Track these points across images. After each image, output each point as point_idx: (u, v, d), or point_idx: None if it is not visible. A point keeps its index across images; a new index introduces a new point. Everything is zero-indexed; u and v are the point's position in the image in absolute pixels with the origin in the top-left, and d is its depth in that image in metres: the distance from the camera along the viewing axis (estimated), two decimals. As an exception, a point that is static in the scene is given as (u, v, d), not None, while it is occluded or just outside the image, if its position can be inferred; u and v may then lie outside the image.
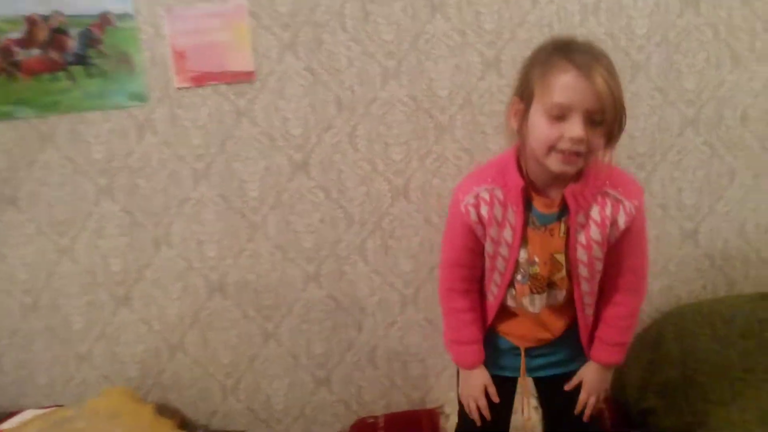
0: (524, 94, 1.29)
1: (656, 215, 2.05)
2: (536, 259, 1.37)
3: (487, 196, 1.36)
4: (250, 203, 2.02)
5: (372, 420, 2.05)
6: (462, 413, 1.58)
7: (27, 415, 1.93)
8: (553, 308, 1.43)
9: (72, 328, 2.08)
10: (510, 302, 1.45)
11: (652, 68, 1.99)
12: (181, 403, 2.11)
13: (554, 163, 1.25)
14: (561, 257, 1.36)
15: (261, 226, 2.03)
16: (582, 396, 1.48)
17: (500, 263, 1.40)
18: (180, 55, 1.93)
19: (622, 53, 1.96)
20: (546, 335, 1.46)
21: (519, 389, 1.54)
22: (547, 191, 1.35)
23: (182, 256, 2.03)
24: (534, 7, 1.94)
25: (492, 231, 1.37)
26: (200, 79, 1.95)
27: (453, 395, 2.10)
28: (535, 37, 1.94)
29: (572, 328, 1.46)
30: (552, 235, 1.35)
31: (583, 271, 1.36)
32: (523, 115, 1.30)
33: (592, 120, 1.21)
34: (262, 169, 2.00)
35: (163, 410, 2.01)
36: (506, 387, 1.52)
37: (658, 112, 2.01)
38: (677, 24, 1.97)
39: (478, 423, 1.52)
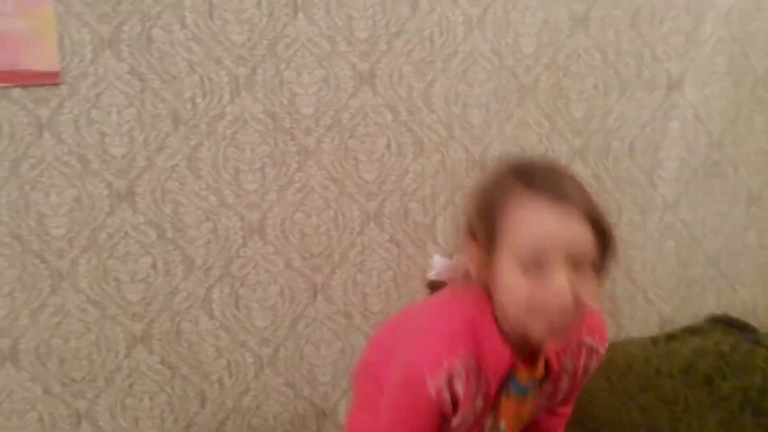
0: (483, 237, 0.98)
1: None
2: (503, 425, 1.08)
3: (462, 372, 0.99)
4: (54, 245, 1.53)
5: None
6: None
7: None
8: None
9: None
10: None
11: (540, 94, 1.80)
12: None
13: (538, 331, 0.93)
14: (527, 416, 1.12)
15: (69, 274, 1.55)
16: None
17: (463, 427, 1.06)
18: (-48, 46, 1.44)
19: (508, 74, 1.75)
20: None
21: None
22: (527, 354, 1.03)
23: (-46, 317, 1.52)
24: (413, 14, 1.67)
25: (463, 407, 1.02)
26: (-17, 80, 1.47)
27: (318, 475, 1.78)
28: (415, 51, 1.67)
29: None
30: (525, 402, 1.08)
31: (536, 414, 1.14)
32: (485, 265, 0.98)
33: (578, 263, 0.92)
34: (70, 200, 1.52)
35: None
36: None
37: (545, 141, 1.83)
38: (566, 45, 1.80)
39: None
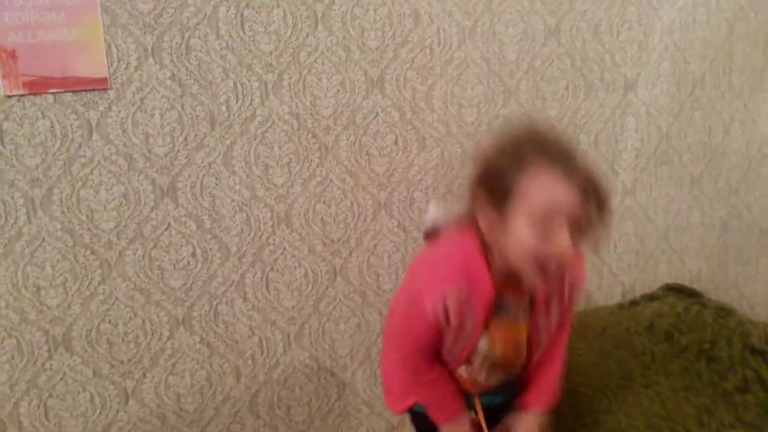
0: (497, 193, 1.14)
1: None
2: (497, 346, 1.29)
3: (454, 295, 1.21)
4: (103, 237, 1.66)
5: (259, 479, 1.81)
6: None
7: None
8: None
9: None
10: (463, 373, 1.37)
11: (522, 94, 2.06)
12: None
13: (532, 278, 1.15)
14: (523, 341, 1.31)
15: (117, 264, 1.68)
16: None
17: (458, 348, 1.30)
18: (9, 56, 1.53)
19: (495, 78, 2.00)
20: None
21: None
22: (516, 284, 1.22)
23: (13, 307, 1.61)
24: (416, 26, 1.88)
25: (455, 324, 1.25)
26: (37, 86, 1.56)
27: (339, 438, 1.97)
28: (417, 58, 1.89)
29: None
30: (516, 323, 1.29)
31: (541, 345, 1.34)
32: (497, 217, 1.15)
33: (578, 225, 1.11)
34: (118, 196, 1.66)
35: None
36: None
37: (525, 135, 2.09)
38: (542, 53, 2.06)
39: None
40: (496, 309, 1.26)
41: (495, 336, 1.29)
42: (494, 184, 1.15)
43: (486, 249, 1.21)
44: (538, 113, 2.06)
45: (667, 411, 1.86)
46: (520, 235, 1.11)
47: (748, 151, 2.43)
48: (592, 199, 1.11)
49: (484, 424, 1.43)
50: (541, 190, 1.09)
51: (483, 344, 1.30)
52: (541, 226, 1.09)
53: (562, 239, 1.08)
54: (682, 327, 2.05)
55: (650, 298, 2.23)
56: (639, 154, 2.25)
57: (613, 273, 2.29)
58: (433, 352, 1.33)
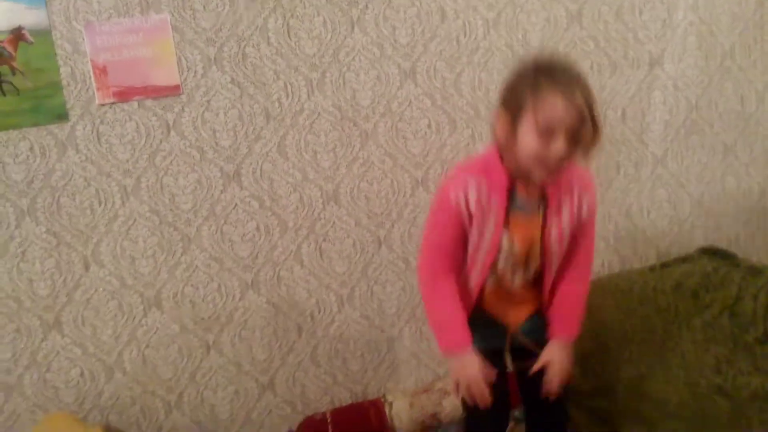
0: (512, 108, 1.41)
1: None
2: (516, 242, 1.51)
3: (474, 184, 1.48)
4: (183, 216, 2.02)
5: (320, 416, 2.12)
6: (465, 403, 1.62)
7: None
8: (526, 287, 1.58)
9: (-6, 359, 1.99)
10: (491, 281, 1.58)
11: (546, 75, 2.24)
12: (122, 424, 2.05)
13: (538, 174, 1.40)
14: (538, 239, 1.52)
15: (195, 238, 2.04)
16: (552, 377, 1.56)
17: (484, 245, 1.52)
18: (101, 71, 1.91)
19: (520, 62, 2.20)
20: (522, 313, 1.62)
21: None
22: (527, 179, 1.48)
23: (114, 274, 2.00)
24: (443, 21, 2.12)
25: (478, 217, 1.49)
26: (124, 94, 1.94)
27: (390, 385, 2.24)
28: (445, 50, 2.13)
29: (539, 309, 1.63)
30: (531, 221, 1.51)
31: (554, 250, 1.53)
32: (510, 127, 1.41)
33: (573, 136, 1.35)
34: (193, 182, 2.01)
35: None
36: (495, 360, 1.60)
37: (553, 113, 2.27)
38: (565, 37, 2.24)
39: (482, 406, 1.54)
40: (512, 206, 1.49)
41: (514, 232, 1.52)
42: (509, 101, 1.43)
43: (502, 153, 1.48)
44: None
45: (686, 361, 2.00)
46: (526, 141, 1.38)
47: (785, 118, 2.49)
48: (586, 119, 1.35)
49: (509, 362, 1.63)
50: (545, 108, 1.35)
51: (505, 241, 1.52)
52: (543, 135, 1.36)
53: (558, 146, 1.35)
54: (708, 286, 2.15)
55: (683, 260, 2.34)
56: (668, 126, 2.37)
57: (648, 238, 2.42)
58: (454, 257, 1.55)
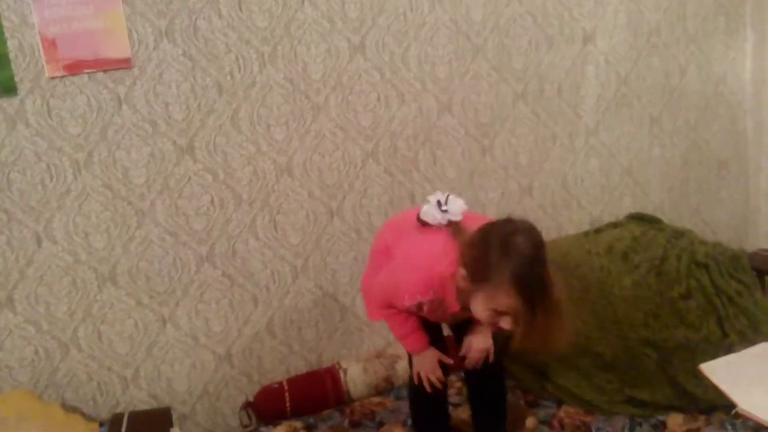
0: (471, 275, 1.48)
1: (500, 175, 2.43)
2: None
3: (428, 301, 1.62)
4: (137, 191, 2.02)
5: (277, 386, 2.16)
6: (412, 385, 1.81)
7: None
8: None
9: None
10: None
11: (489, 51, 2.34)
12: (79, 401, 2.04)
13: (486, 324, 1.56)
14: None
15: (149, 212, 2.04)
16: (471, 360, 1.77)
17: (439, 313, 1.67)
18: (50, 44, 1.87)
19: (463, 38, 2.29)
20: None
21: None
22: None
23: (68, 250, 1.97)
24: (390, -4, 2.19)
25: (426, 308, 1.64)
26: (74, 67, 1.91)
27: (344, 352, 2.32)
28: (393, 24, 2.19)
29: None
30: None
31: None
32: (469, 286, 1.49)
33: (524, 317, 1.44)
34: (146, 156, 2.01)
35: (64, 409, 1.95)
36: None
37: (495, 88, 2.38)
38: (505, 13, 2.34)
39: (429, 390, 1.78)
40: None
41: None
42: (471, 267, 1.50)
43: (458, 290, 1.57)
44: (504, 67, 2.36)
45: (617, 316, 2.17)
46: (479, 310, 1.50)
47: (704, 91, 2.69)
48: (537, 308, 1.43)
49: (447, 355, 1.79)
50: (499, 297, 1.44)
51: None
52: (494, 312, 1.47)
53: (507, 322, 1.46)
54: (637, 248, 2.34)
55: (614, 225, 2.51)
56: (600, 99, 2.53)
57: (582, 206, 2.59)
58: None
